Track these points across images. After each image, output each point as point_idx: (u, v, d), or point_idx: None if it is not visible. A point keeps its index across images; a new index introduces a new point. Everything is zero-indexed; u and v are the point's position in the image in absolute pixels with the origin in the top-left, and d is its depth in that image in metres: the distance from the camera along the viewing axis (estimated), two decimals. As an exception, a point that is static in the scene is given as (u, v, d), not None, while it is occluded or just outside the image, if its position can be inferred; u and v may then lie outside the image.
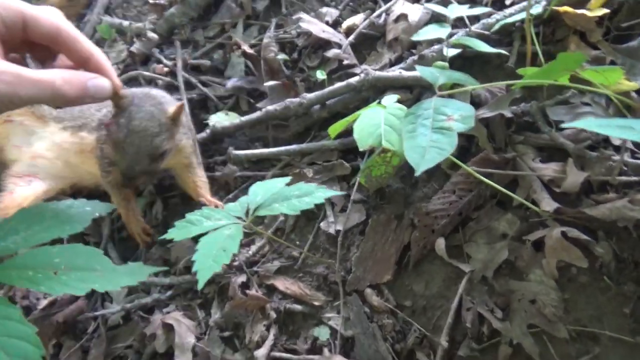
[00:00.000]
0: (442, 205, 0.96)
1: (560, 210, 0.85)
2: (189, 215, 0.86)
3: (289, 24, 1.41)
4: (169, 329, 1.04)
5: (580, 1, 0.97)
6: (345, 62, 1.24)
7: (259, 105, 1.30)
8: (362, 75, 1.11)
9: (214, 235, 0.79)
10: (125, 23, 1.58)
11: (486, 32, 1.05)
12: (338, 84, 1.15)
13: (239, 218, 0.85)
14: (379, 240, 1.01)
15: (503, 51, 1.01)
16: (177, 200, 1.27)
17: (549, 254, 0.85)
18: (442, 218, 0.96)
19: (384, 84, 1.11)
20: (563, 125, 0.68)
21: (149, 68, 1.49)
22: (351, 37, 1.26)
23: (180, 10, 1.48)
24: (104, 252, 0.80)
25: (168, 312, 1.08)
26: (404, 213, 1.02)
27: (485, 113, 0.95)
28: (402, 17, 1.19)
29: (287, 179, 0.91)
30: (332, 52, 1.26)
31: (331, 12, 1.35)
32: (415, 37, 1.04)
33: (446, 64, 0.96)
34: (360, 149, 0.81)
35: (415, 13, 1.17)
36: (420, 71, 0.89)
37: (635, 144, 0.88)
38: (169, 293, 1.13)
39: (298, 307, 1.02)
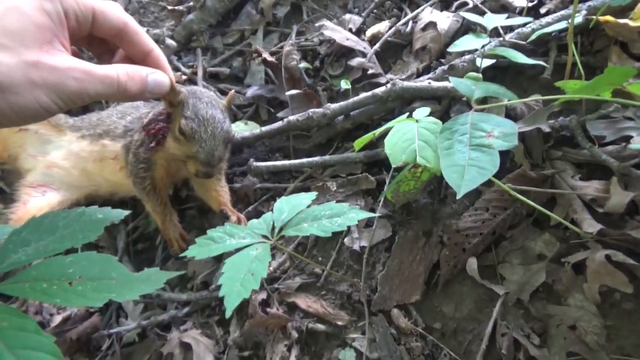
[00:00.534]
0: (473, 222, 0.92)
1: (603, 232, 0.80)
2: (211, 232, 0.82)
3: (310, 31, 1.37)
4: (186, 348, 1.00)
5: (622, 10, 0.92)
6: (370, 71, 1.20)
7: (279, 114, 1.27)
8: (389, 85, 1.07)
9: (241, 256, 0.74)
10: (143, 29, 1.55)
11: (521, 42, 1.00)
12: (363, 94, 1.11)
13: (264, 236, 0.80)
14: (406, 258, 0.97)
15: (542, 62, 0.96)
16: (193, 212, 1.23)
17: (591, 278, 0.81)
18: (474, 236, 0.91)
19: (412, 94, 1.07)
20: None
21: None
22: (377, 46, 1.22)
23: (199, 16, 1.45)
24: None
25: (185, 330, 1.05)
26: (432, 230, 0.98)
27: (521, 127, 0.90)
28: (431, 25, 1.15)
29: (313, 195, 0.87)
30: (356, 61, 1.22)
31: (354, 20, 1.31)
32: (452, 49, 1.00)
33: (480, 76, 0.91)
34: (393, 165, 0.77)
35: (445, 21, 1.13)
36: (454, 83, 0.85)
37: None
38: (185, 309, 1.09)
39: (321, 326, 0.98)
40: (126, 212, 0.87)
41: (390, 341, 0.92)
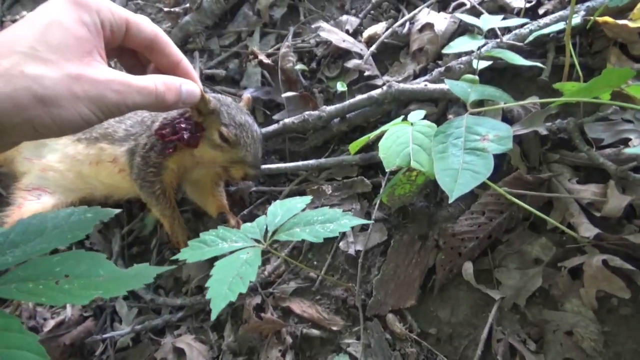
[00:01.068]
0: (469, 226, 0.91)
1: (600, 237, 0.79)
2: (203, 235, 0.81)
3: (307, 33, 1.37)
4: (180, 353, 0.99)
5: (621, 11, 0.91)
6: (367, 73, 1.19)
7: (275, 117, 1.26)
8: (385, 87, 1.06)
9: (230, 259, 0.74)
10: (140, 31, 1.54)
11: (518, 44, 0.99)
12: (359, 97, 1.10)
13: (256, 240, 0.79)
14: (401, 262, 0.96)
15: (539, 64, 0.95)
16: (188, 216, 1.23)
17: (587, 283, 0.79)
18: (470, 240, 0.90)
19: (408, 97, 1.06)
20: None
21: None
22: (373, 47, 1.21)
23: (195, 18, 1.44)
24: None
25: (179, 335, 1.04)
26: (428, 233, 0.97)
27: (518, 130, 0.89)
28: (428, 26, 1.14)
29: (308, 199, 0.86)
30: (352, 63, 1.21)
31: (352, 21, 1.30)
32: (447, 50, 0.99)
33: (476, 78, 0.90)
34: (387, 169, 0.76)
35: (442, 23, 1.12)
36: (450, 86, 0.84)
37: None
38: (180, 314, 1.09)
39: (315, 331, 0.97)
40: (117, 211, 0.87)
41: (385, 346, 0.90)
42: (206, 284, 0.71)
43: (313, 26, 1.34)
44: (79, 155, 1.18)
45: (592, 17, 0.92)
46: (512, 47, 0.99)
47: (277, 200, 0.88)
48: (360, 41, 1.26)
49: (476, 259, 0.91)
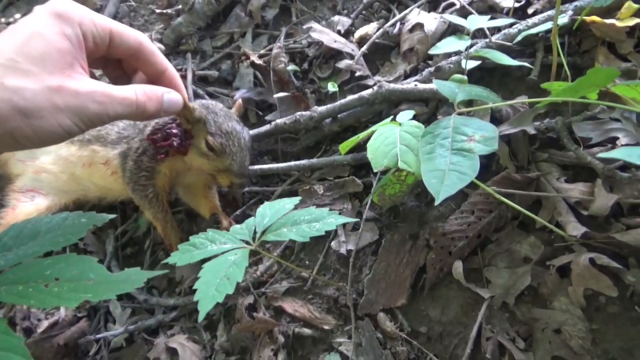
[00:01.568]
0: (459, 226, 0.91)
1: (588, 235, 0.80)
2: (193, 238, 0.82)
3: (299, 34, 1.37)
4: (172, 353, 1.00)
5: (609, 10, 0.91)
6: (358, 73, 1.19)
7: (267, 117, 1.26)
8: (375, 88, 1.06)
9: (218, 261, 0.74)
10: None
11: (507, 43, 1.00)
12: (350, 97, 1.10)
13: (245, 242, 0.80)
14: (392, 262, 0.96)
15: (526, 64, 0.95)
16: (182, 217, 1.23)
17: (575, 281, 0.80)
18: (460, 239, 0.91)
19: (398, 97, 1.07)
20: (602, 155, 0.61)
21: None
22: (364, 48, 1.21)
23: (188, 19, 1.44)
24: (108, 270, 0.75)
25: (172, 334, 1.04)
26: (419, 233, 0.97)
27: (506, 129, 0.90)
28: (418, 26, 1.14)
29: (296, 200, 0.86)
30: (343, 63, 1.21)
31: (343, 21, 1.31)
32: (433, 51, 0.99)
33: (465, 78, 0.91)
34: (375, 170, 0.76)
35: (432, 23, 1.12)
36: (437, 86, 0.84)
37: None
38: (173, 314, 1.09)
39: (307, 331, 0.97)
40: (111, 216, 0.87)
41: (376, 345, 0.91)
42: (194, 285, 0.72)
43: (305, 27, 1.34)
44: (72, 157, 1.19)
45: (579, 17, 0.93)
46: (501, 47, 1.00)
47: (266, 202, 0.88)
48: (351, 41, 1.27)
49: (466, 258, 0.91)
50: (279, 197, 1.14)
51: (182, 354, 0.98)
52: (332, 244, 1.03)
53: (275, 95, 1.24)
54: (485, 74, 1.04)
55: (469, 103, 0.95)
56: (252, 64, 1.33)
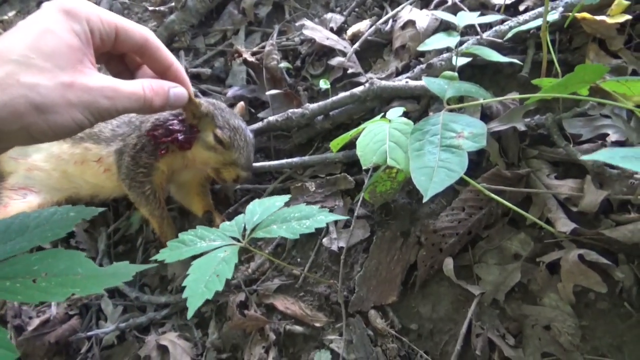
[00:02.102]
0: (450, 222, 0.91)
1: (577, 231, 0.79)
2: (182, 235, 0.82)
3: (292, 31, 1.37)
4: (163, 350, 1.00)
5: (600, 7, 0.91)
6: (350, 70, 1.19)
7: (260, 115, 1.26)
8: (367, 85, 1.06)
9: (207, 258, 0.74)
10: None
11: (498, 40, 0.99)
12: (342, 94, 1.10)
13: (234, 239, 0.80)
14: (383, 259, 0.96)
15: (516, 60, 0.95)
16: (174, 214, 1.23)
17: (565, 277, 0.80)
18: (451, 236, 0.91)
19: (390, 94, 1.06)
20: (588, 157, 0.61)
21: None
22: (356, 45, 1.21)
23: (181, 17, 1.44)
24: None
25: (163, 332, 1.04)
26: (410, 230, 0.97)
27: (497, 126, 0.90)
28: (410, 23, 1.14)
29: (287, 198, 0.86)
30: (336, 60, 1.21)
31: (336, 19, 1.30)
32: (422, 47, 0.99)
33: (455, 74, 0.90)
34: (364, 167, 0.76)
35: (423, 20, 1.12)
36: (427, 83, 0.84)
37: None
38: (164, 312, 1.09)
39: (298, 328, 0.97)
40: (101, 209, 0.86)
41: (367, 342, 0.91)
42: (183, 282, 0.72)
43: (297, 24, 1.34)
44: (64, 155, 1.19)
45: (570, 14, 0.93)
46: (492, 44, 0.99)
47: (256, 199, 0.88)
48: (344, 39, 1.26)
49: (457, 255, 0.91)
50: (270, 194, 1.14)
51: (173, 351, 0.98)
52: (324, 241, 1.03)
53: (268, 93, 1.24)
54: (477, 71, 1.04)
55: (460, 100, 0.95)
56: (245, 62, 1.32)
